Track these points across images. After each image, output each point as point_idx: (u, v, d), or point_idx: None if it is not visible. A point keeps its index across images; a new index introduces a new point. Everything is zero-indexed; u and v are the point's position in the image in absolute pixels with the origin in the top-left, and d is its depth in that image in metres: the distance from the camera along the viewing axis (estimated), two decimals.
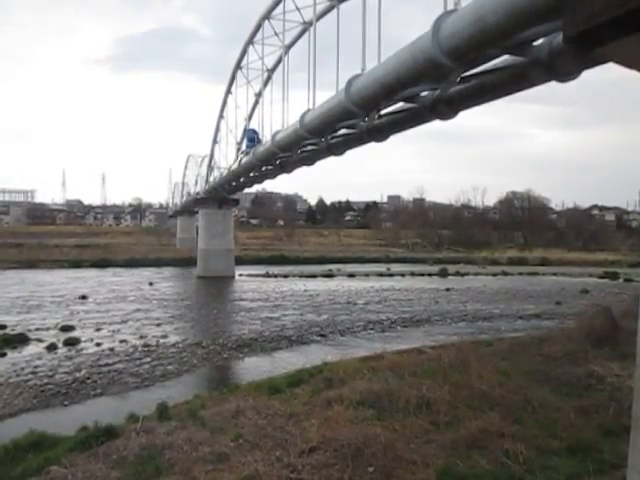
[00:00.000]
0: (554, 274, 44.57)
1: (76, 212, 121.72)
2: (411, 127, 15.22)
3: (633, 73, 2.92)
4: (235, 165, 32.09)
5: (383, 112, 14.63)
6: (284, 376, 11.19)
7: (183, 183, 71.54)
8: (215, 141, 40.61)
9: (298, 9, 21.69)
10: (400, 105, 13.95)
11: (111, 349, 15.61)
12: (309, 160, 23.01)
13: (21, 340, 16.42)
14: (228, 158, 35.91)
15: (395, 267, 49.33)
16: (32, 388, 11.86)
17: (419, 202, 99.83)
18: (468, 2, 8.63)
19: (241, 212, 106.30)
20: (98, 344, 16.24)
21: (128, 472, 6.05)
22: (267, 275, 41.75)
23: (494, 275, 43.80)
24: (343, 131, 17.62)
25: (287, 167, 25.91)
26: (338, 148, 19.46)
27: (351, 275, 42.19)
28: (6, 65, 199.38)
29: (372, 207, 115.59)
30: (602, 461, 5.91)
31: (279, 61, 25.90)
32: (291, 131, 19.28)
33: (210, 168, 43.26)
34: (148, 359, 14.64)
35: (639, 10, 2.17)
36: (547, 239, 75.46)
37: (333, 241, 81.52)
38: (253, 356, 15.65)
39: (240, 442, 6.60)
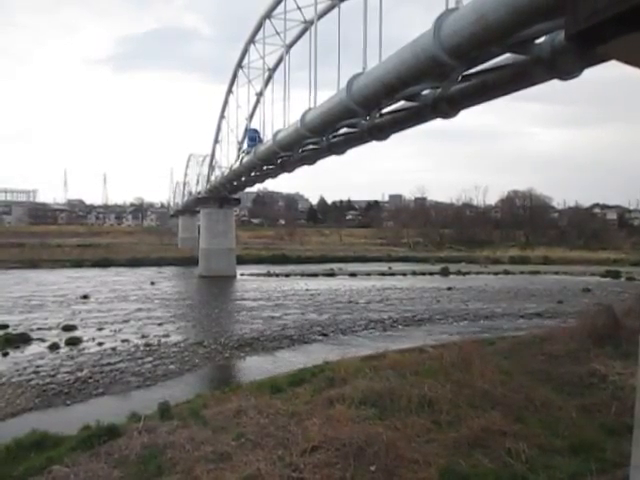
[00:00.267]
0: (556, 273, 44.49)
1: (78, 212, 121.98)
2: (412, 126, 15.20)
3: (635, 71, 2.91)
4: (236, 164, 32.11)
5: (384, 111, 14.61)
6: (286, 375, 11.21)
7: (184, 183, 71.68)
8: (216, 140, 40.64)
9: (299, 8, 21.69)
10: (401, 104, 13.93)
11: (113, 348, 15.63)
12: (310, 159, 23.01)
13: (23, 340, 16.44)
14: (229, 157, 36.01)
15: (396, 266, 49.29)
16: (34, 388, 11.88)
17: (420, 201, 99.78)
18: (469, 0, 8.61)
19: (242, 211, 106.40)
20: (100, 344, 16.26)
21: (130, 471, 6.06)
22: (268, 274, 41.76)
23: (496, 274, 43.77)
24: (344, 130, 17.61)
25: (288, 166, 25.92)
26: (339, 147, 19.46)
27: (352, 274, 42.17)
28: (7, 65, 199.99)
29: (373, 206, 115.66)
30: (604, 460, 5.90)
31: (280, 60, 25.90)
32: (292, 130, 19.28)
33: (211, 167, 43.31)
34: (150, 358, 14.65)
35: None
36: (549, 238, 75.41)
37: (334, 240, 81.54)
38: (255, 355, 15.66)
39: (242, 441, 6.60)
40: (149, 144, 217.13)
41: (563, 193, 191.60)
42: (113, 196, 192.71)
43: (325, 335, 18.59)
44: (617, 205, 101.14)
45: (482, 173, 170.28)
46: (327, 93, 15.54)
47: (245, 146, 30.30)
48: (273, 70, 28.76)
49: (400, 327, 20.37)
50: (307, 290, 31.53)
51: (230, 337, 17.64)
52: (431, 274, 43.24)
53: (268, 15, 24.64)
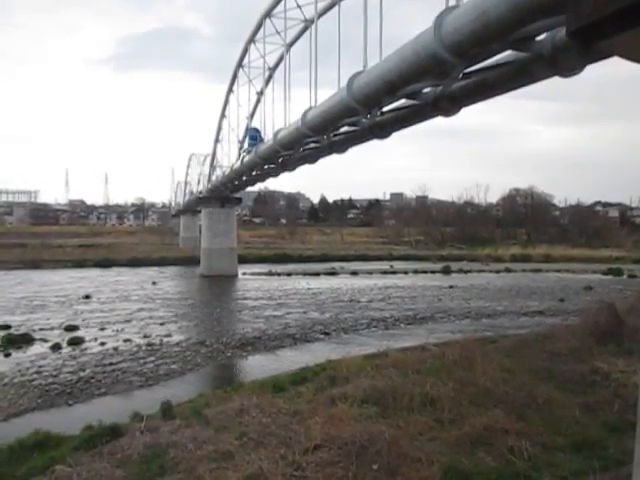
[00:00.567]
0: (557, 271, 44.41)
1: (79, 212, 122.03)
2: (413, 124, 15.16)
3: (636, 67, 2.89)
4: (237, 164, 32.09)
5: (385, 109, 14.57)
6: (288, 374, 11.20)
7: (186, 182, 71.60)
8: (217, 140, 40.63)
9: (299, 7, 21.65)
10: (402, 102, 13.88)
11: (115, 348, 15.64)
12: (311, 158, 22.99)
13: (25, 340, 16.46)
14: (230, 157, 35.98)
15: (398, 265, 49.26)
16: (37, 388, 11.91)
17: (422, 200, 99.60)
18: None
19: (244, 211, 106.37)
20: (102, 343, 16.28)
21: (132, 471, 6.06)
22: (270, 273, 41.76)
23: (497, 272, 43.73)
24: (345, 129, 17.57)
25: (289, 165, 25.90)
26: (340, 146, 19.43)
27: (354, 273, 42.17)
28: (7, 65, 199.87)
29: (375, 205, 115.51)
30: (607, 458, 5.89)
31: (280, 59, 25.85)
32: (293, 129, 19.26)
33: (212, 167, 43.29)
34: (152, 358, 14.67)
35: None
36: (550, 236, 75.26)
37: (336, 239, 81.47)
38: (257, 354, 15.67)
39: (244, 440, 6.60)
40: (150, 144, 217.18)
41: (564, 191, 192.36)
42: (114, 196, 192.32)
43: (327, 334, 18.59)
44: (619, 203, 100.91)
45: (483, 171, 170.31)
46: (328, 92, 15.52)
47: (246, 145, 30.24)
48: (273, 69, 28.73)
49: (402, 325, 20.38)
50: (309, 289, 31.54)
51: (232, 336, 17.65)
52: (433, 272, 43.21)
53: (268, 14, 24.61)
